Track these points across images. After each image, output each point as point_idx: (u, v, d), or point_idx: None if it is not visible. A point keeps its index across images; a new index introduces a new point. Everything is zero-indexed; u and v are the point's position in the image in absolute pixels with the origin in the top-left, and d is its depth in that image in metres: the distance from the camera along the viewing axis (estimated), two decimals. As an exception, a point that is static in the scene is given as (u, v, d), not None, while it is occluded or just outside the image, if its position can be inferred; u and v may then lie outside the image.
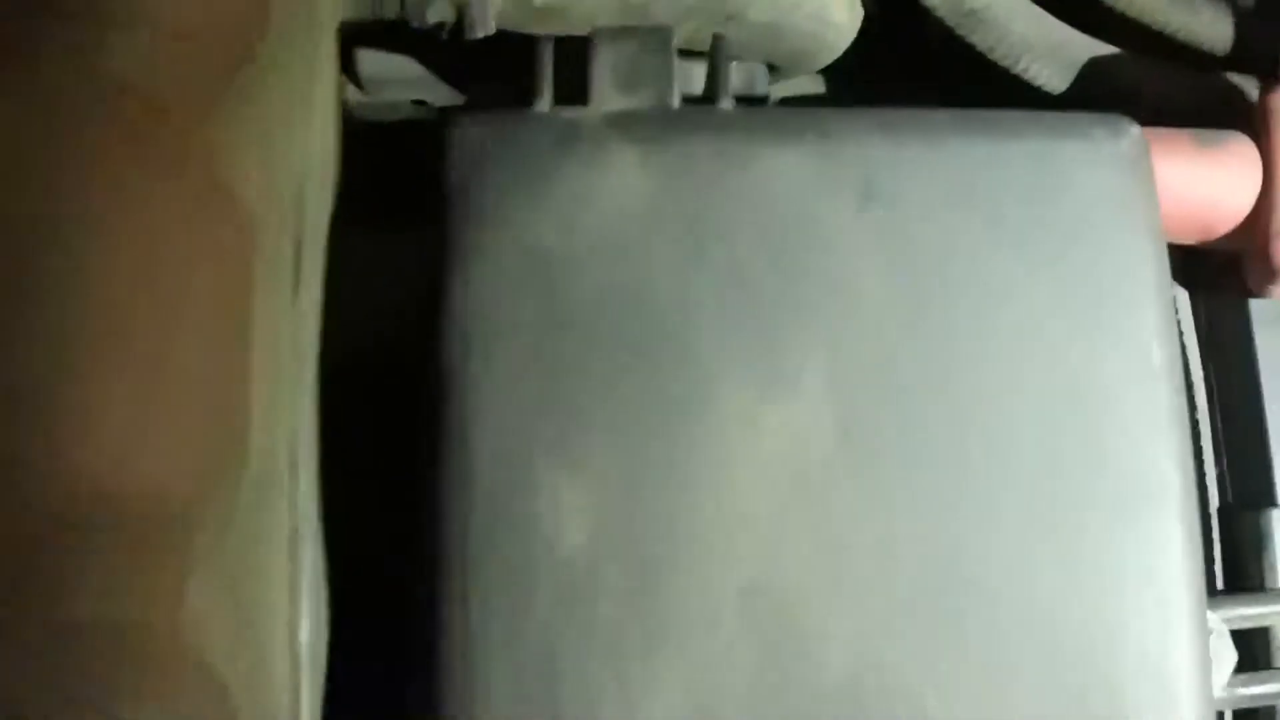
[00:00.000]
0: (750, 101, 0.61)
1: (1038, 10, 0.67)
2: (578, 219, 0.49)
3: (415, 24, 0.61)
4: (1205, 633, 0.49)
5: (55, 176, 0.43)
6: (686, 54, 0.60)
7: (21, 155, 0.43)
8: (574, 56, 0.53)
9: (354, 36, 0.61)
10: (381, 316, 0.53)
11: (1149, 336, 0.51)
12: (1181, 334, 0.67)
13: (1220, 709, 0.61)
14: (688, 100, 0.54)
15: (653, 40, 0.53)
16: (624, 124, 0.51)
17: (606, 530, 0.48)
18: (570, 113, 0.51)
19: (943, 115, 0.52)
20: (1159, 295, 0.51)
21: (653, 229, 0.49)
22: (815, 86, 0.73)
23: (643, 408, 0.48)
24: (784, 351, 0.49)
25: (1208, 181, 0.61)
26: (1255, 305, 0.66)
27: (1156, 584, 0.49)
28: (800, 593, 0.48)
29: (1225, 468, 0.65)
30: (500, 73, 0.62)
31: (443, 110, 0.65)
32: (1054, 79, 0.68)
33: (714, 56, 0.54)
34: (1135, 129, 0.53)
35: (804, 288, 0.49)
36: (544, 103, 0.52)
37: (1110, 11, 0.69)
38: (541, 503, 0.48)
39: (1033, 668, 0.48)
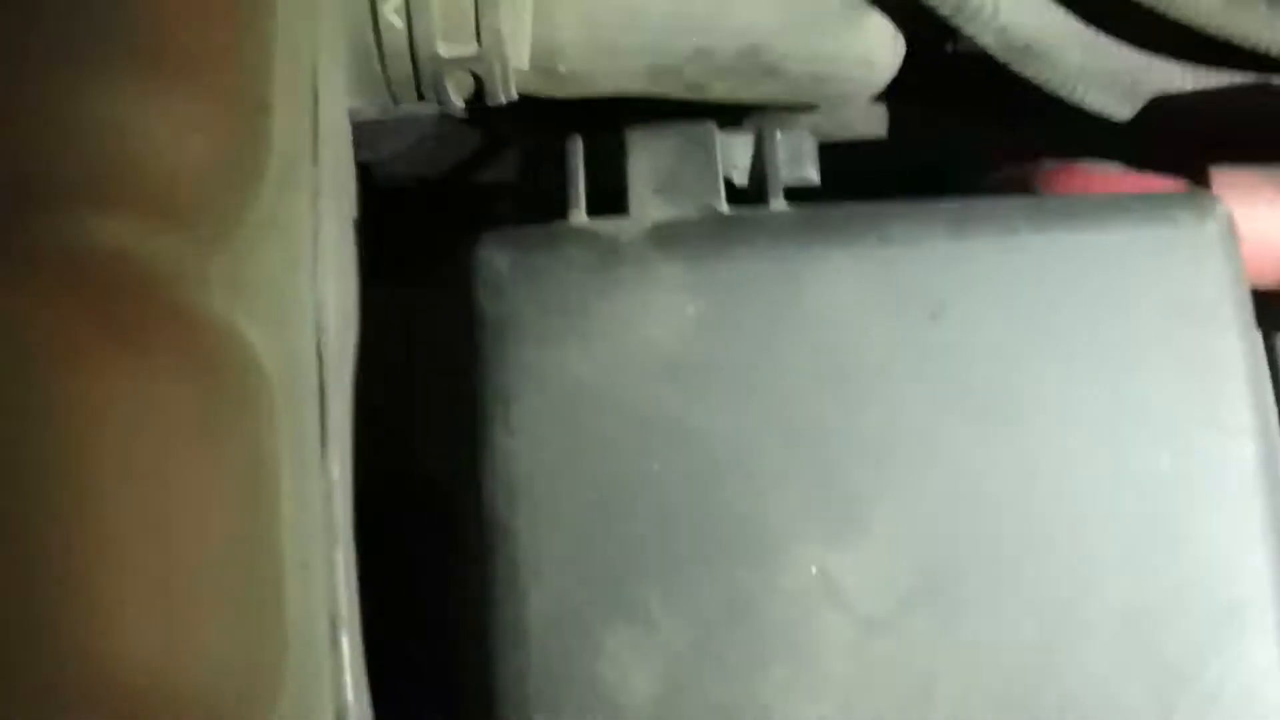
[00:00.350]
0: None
1: (1091, 34, 0.62)
2: (624, 349, 0.45)
3: (431, 92, 0.56)
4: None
5: (34, 372, 0.39)
6: (722, 118, 0.55)
7: None
8: (607, 155, 0.48)
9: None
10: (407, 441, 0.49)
11: (1244, 437, 0.46)
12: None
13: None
14: (730, 183, 0.49)
15: (693, 139, 0.48)
16: (668, 237, 0.46)
17: (672, 681, 0.44)
18: (608, 226, 0.47)
19: (1013, 207, 0.47)
20: (1253, 390, 0.47)
21: (706, 356, 0.45)
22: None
23: (703, 551, 0.44)
24: (853, 489, 0.45)
25: (1288, 226, 0.56)
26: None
27: (1255, 710, 0.45)
28: (880, 735, 0.45)
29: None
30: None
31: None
32: (1112, 105, 0.63)
33: (760, 150, 0.49)
34: (1221, 208, 0.48)
35: (872, 415, 0.45)
36: (578, 214, 0.47)
37: (1174, 24, 0.64)
38: (602, 660, 0.44)
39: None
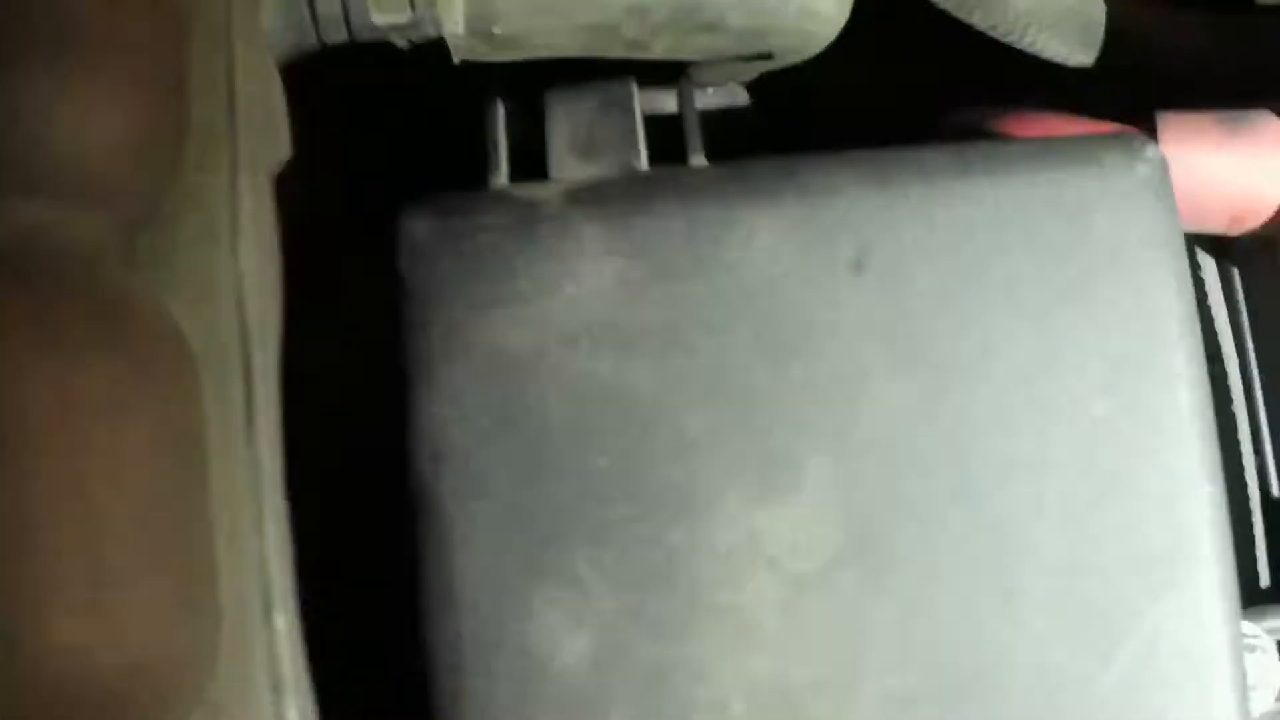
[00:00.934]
0: (730, 115, 0.54)
1: (1037, -24, 0.59)
2: (545, 311, 0.43)
3: (370, 61, 0.55)
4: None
5: None
6: (653, 73, 0.53)
7: None
8: (530, 118, 0.46)
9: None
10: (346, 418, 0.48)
11: (1177, 382, 0.44)
12: (1211, 316, 0.60)
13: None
14: (654, 123, 0.47)
15: (612, 99, 0.46)
16: (588, 198, 0.44)
17: (604, 643, 0.43)
18: (528, 189, 0.45)
19: (937, 155, 0.45)
20: (1184, 335, 0.45)
21: (627, 316, 0.43)
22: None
23: (631, 513, 0.43)
24: (781, 446, 0.43)
25: (1236, 170, 0.54)
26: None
27: (1193, 660, 0.43)
28: (812, 690, 0.43)
29: (1266, 458, 0.59)
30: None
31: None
32: (1063, 50, 0.60)
33: (682, 107, 0.47)
34: (1151, 150, 0.45)
35: (798, 370, 0.43)
36: (499, 178, 0.46)
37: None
38: (533, 621, 0.43)
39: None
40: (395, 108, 0.55)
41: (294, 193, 0.50)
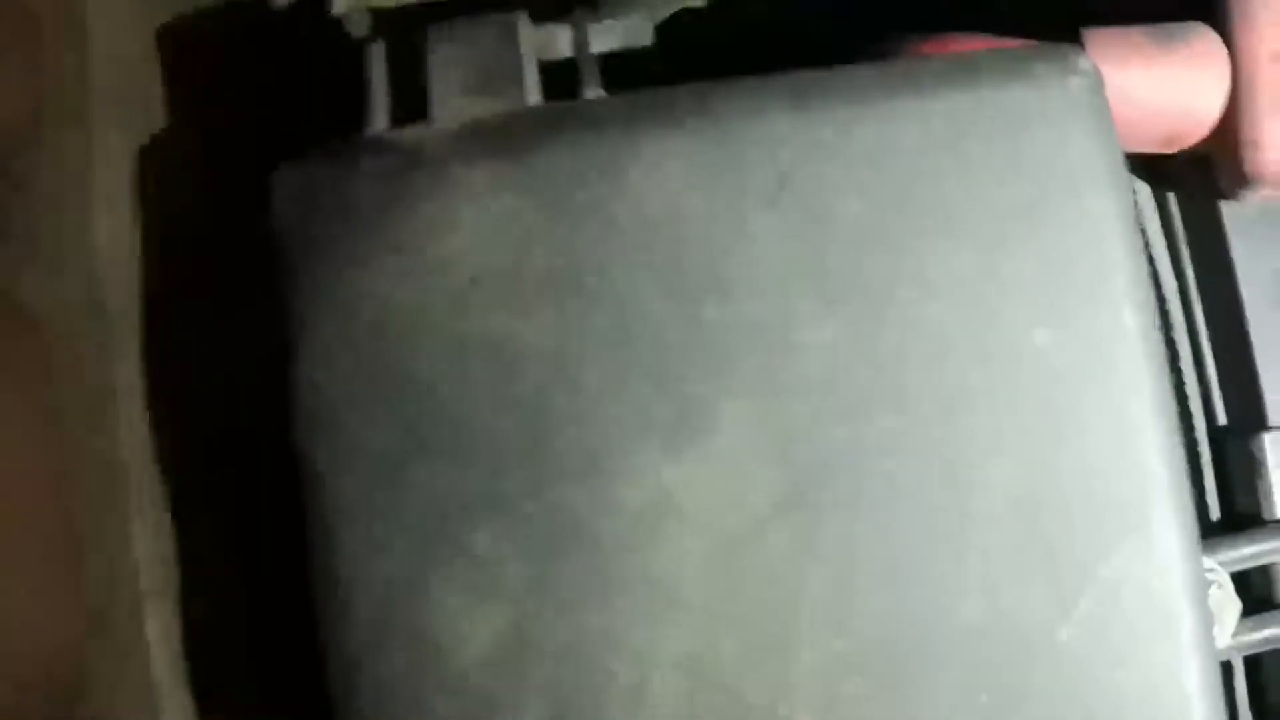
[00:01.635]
0: (634, 56, 0.47)
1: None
2: (427, 263, 0.37)
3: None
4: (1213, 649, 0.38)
5: None
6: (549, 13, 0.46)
7: None
8: (412, 59, 0.40)
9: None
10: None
11: (1124, 308, 0.38)
12: (1148, 242, 0.55)
13: (1228, 658, 0.50)
14: (552, 68, 0.41)
15: (500, 32, 0.39)
16: (472, 138, 0.38)
17: (510, 623, 0.37)
18: (409, 133, 0.38)
19: (858, 74, 0.39)
20: (1125, 254, 0.39)
21: (518, 263, 0.37)
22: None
23: (532, 479, 0.37)
24: (695, 393, 0.37)
25: (1169, 86, 0.48)
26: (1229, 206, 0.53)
27: (1158, 604, 0.38)
28: (743, 660, 0.37)
29: (1210, 385, 0.53)
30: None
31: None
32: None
33: (576, 38, 0.41)
34: (1084, 61, 0.40)
35: (711, 312, 0.37)
36: (378, 122, 0.39)
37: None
38: (431, 604, 0.36)
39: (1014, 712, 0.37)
40: (275, 61, 0.48)
41: (168, 155, 0.43)
